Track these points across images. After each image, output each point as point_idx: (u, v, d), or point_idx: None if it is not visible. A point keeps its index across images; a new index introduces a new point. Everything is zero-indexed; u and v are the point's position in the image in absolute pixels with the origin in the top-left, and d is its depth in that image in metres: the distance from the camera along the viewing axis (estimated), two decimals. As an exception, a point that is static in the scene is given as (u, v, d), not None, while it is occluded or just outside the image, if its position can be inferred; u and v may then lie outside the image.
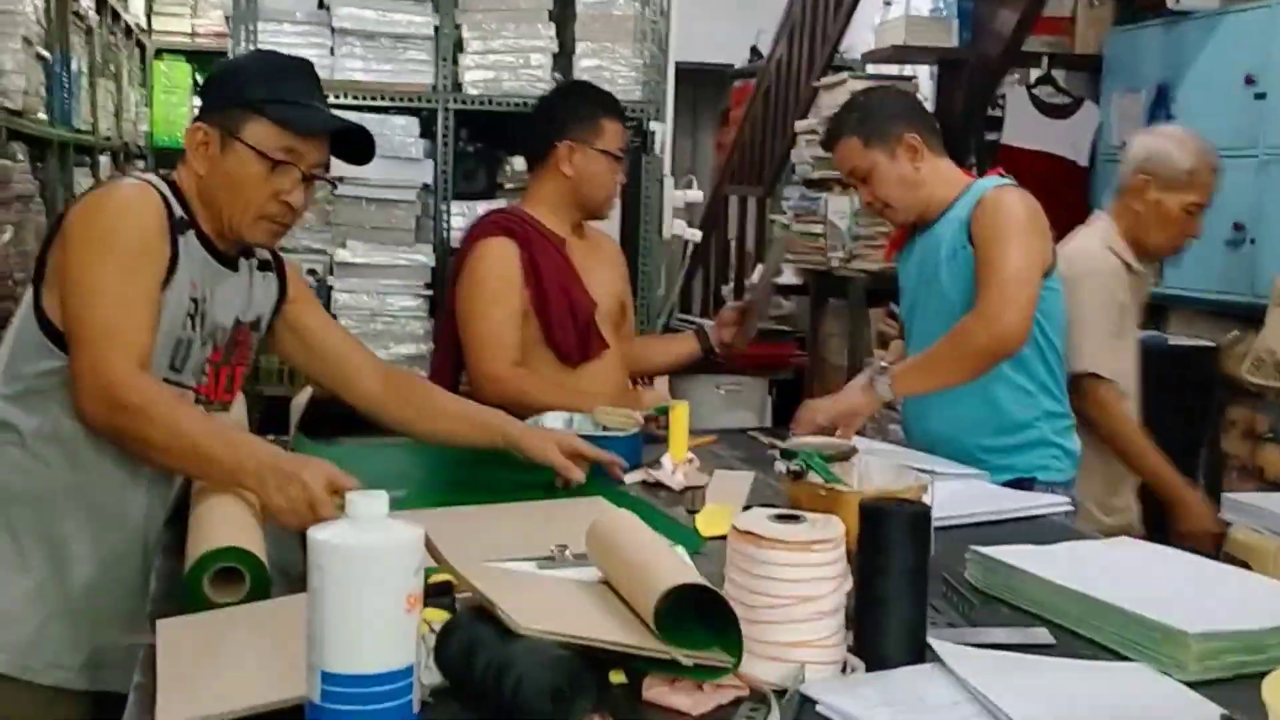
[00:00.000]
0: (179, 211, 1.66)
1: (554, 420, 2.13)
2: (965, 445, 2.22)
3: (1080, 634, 1.31)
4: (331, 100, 2.99)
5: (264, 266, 1.83)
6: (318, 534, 0.98)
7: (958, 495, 1.85)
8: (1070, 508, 1.96)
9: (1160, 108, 4.13)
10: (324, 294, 3.11)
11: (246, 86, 1.68)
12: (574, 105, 2.53)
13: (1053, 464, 2.28)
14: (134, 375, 1.52)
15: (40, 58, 3.87)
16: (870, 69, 4.70)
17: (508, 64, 3.22)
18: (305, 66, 1.76)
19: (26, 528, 1.63)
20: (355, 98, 3.14)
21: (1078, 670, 1.21)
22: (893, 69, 4.75)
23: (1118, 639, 1.27)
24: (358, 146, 1.76)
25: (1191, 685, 1.16)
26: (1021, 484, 2.17)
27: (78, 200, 1.68)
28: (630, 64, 3.28)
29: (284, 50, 2.29)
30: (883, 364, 2.23)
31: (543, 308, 2.43)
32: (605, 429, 2.09)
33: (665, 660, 1.11)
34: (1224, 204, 3.81)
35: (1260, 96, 3.68)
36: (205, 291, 1.69)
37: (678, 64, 3.66)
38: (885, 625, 1.19)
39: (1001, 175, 2.37)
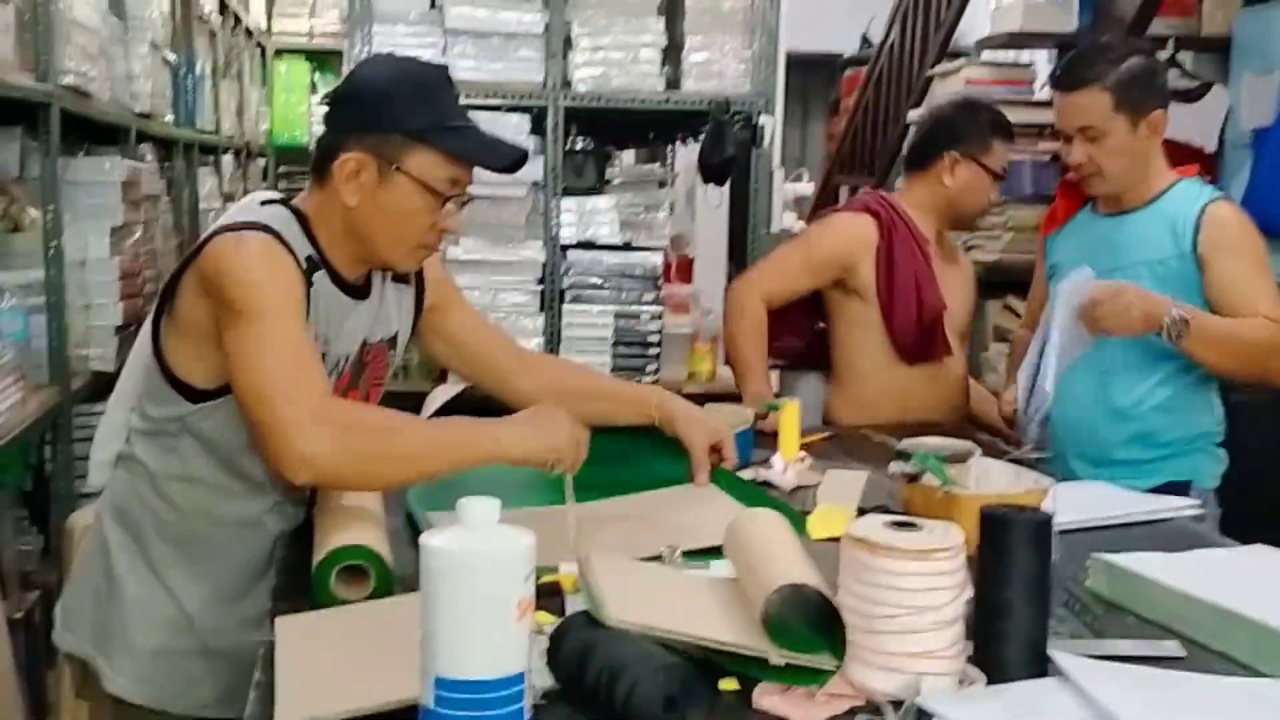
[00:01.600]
0: (307, 250, 1.56)
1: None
2: (1116, 454, 2.22)
3: (1213, 648, 1.26)
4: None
5: (399, 278, 1.75)
6: (431, 540, 0.98)
7: (1079, 498, 1.78)
8: (1199, 511, 1.88)
9: (1294, 91, 3.95)
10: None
11: (405, 111, 1.54)
12: (968, 120, 2.58)
13: (1204, 468, 2.26)
14: (330, 402, 1.47)
15: (166, 61, 4.00)
16: (986, 55, 4.59)
17: (617, 60, 3.22)
18: (447, 78, 1.63)
19: (164, 560, 1.62)
20: (468, 96, 3.17)
21: (1210, 686, 1.16)
22: (1009, 55, 4.62)
23: (1252, 653, 1.22)
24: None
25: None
26: (1172, 486, 2.10)
27: (205, 251, 1.52)
28: (740, 57, 3.26)
29: (399, 51, 2.30)
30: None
31: (888, 296, 2.50)
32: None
33: (770, 665, 1.10)
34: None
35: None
36: (329, 331, 1.60)
37: (788, 54, 3.63)
38: (1005, 636, 1.16)
39: (1198, 176, 2.30)
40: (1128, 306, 2.05)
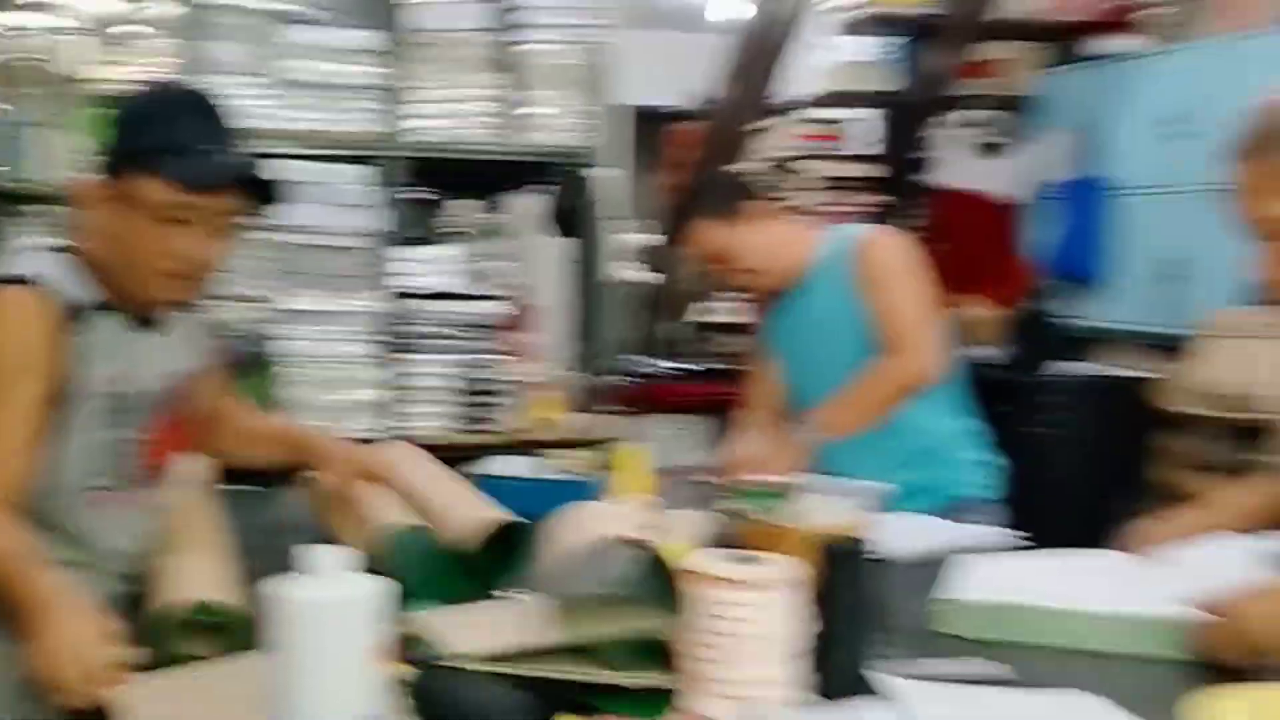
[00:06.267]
0: (78, 293, 1.52)
1: (509, 464, 2.15)
2: (896, 481, 2.28)
3: (1085, 649, 1.40)
4: (279, 150, 3.03)
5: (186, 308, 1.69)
6: (278, 589, 0.99)
7: (905, 529, 1.90)
8: (1024, 542, 2.01)
9: (1088, 147, 4.27)
10: (265, 343, 3.11)
11: (133, 134, 1.52)
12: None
13: (979, 480, 2.38)
14: None
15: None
16: (808, 113, 4.80)
17: (454, 112, 3.26)
18: (202, 103, 1.57)
19: None
20: (306, 147, 3.16)
21: (1024, 700, 1.26)
22: (828, 113, 4.85)
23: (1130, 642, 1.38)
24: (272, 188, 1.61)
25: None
26: (954, 505, 2.25)
27: None
28: (574, 110, 3.34)
29: (234, 102, 2.27)
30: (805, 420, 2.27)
31: None
32: (558, 472, 2.12)
33: (608, 692, 1.15)
34: (1153, 240, 3.95)
35: (1184, 136, 3.82)
36: (125, 370, 1.56)
37: (625, 107, 3.72)
38: (836, 660, 1.23)
39: (857, 221, 2.47)
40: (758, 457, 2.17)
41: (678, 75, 7.65)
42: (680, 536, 1.88)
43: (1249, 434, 3.48)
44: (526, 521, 1.61)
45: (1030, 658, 1.40)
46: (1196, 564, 1.53)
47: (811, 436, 2.20)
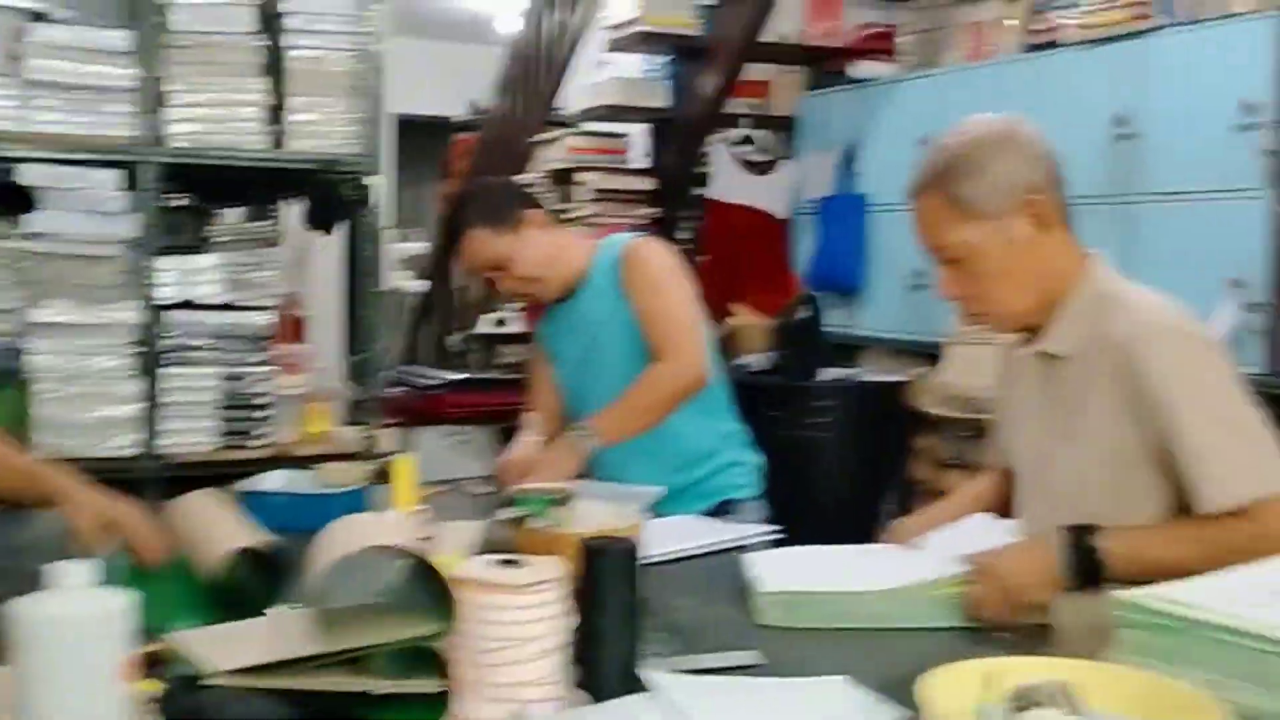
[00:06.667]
0: None
1: (277, 479, 2.09)
2: (665, 485, 2.35)
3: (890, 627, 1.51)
4: (25, 154, 2.85)
5: None
6: (20, 606, 0.95)
7: (672, 531, 1.95)
8: (780, 535, 2.10)
9: (848, 165, 4.50)
10: (18, 357, 2.93)
11: None
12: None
13: (743, 481, 2.45)
14: None
15: None
16: (587, 126, 4.87)
17: (217, 117, 3.14)
18: None
19: None
20: (52, 150, 2.98)
21: (779, 688, 1.32)
22: (608, 126, 4.93)
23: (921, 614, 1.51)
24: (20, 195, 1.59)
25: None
26: (721, 507, 2.35)
27: None
28: (344, 118, 3.28)
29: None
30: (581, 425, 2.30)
31: None
32: (327, 486, 2.08)
33: (384, 696, 1.14)
34: (905, 253, 4.20)
35: (932, 155, 4.08)
36: None
37: (399, 116, 3.69)
38: (603, 659, 1.26)
39: (628, 231, 2.54)
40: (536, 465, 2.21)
41: (464, 85, 7.63)
42: (452, 546, 1.88)
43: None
44: (283, 542, 1.58)
45: (792, 644, 1.47)
46: (953, 541, 1.66)
47: (587, 442, 2.24)
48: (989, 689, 1.12)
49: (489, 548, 1.80)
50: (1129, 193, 3.47)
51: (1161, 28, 3.38)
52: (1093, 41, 3.56)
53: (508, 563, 1.25)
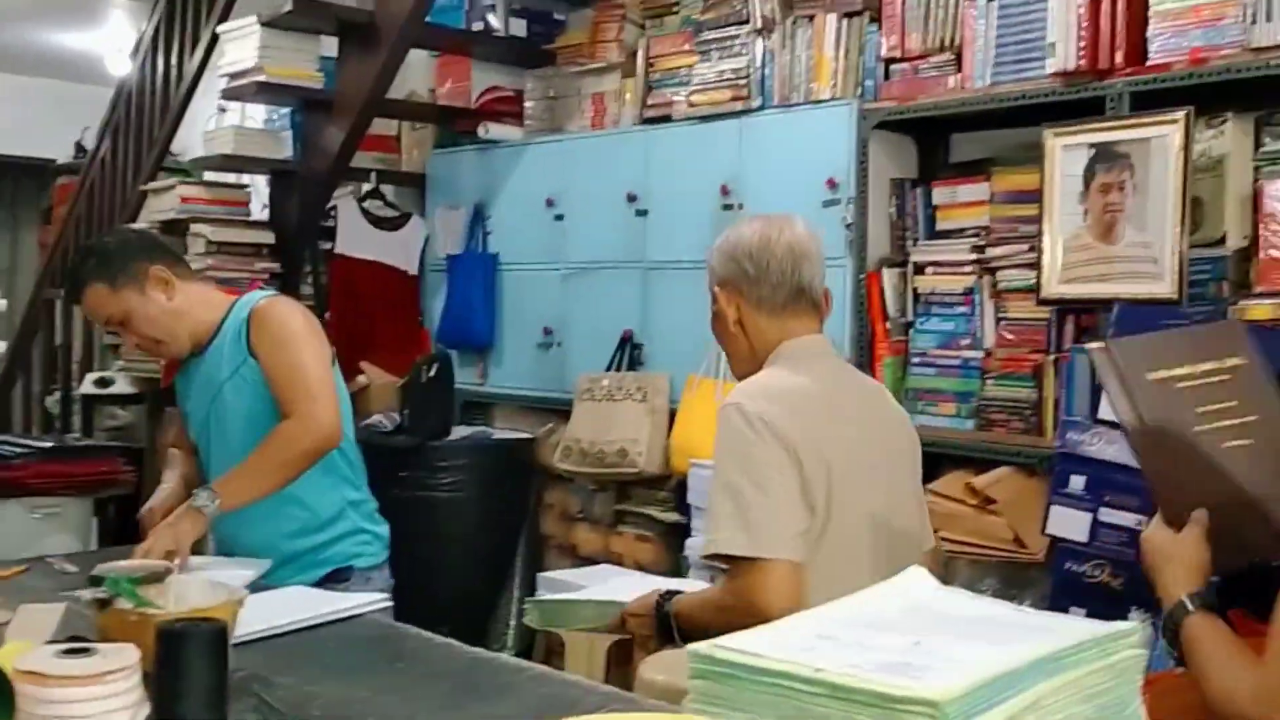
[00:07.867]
0: None
1: None
2: (283, 550, 2.27)
3: None
4: None
5: None
6: None
7: (281, 603, 1.88)
8: (389, 603, 2.07)
9: (478, 224, 4.55)
10: None
11: None
12: None
13: (365, 550, 2.40)
14: None
15: None
16: (207, 175, 4.64)
17: None
18: None
19: None
20: None
21: None
22: (228, 177, 4.72)
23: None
24: None
25: None
26: (339, 574, 2.29)
27: None
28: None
29: None
30: (205, 488, 2.20)
31: None
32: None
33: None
34: (534, 311, 4.30)
35: (559, 218, 4.20)
36: None
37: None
38: (186, 748, 1.19)
39: (262, 288, 2.50)
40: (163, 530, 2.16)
41: (72, 127, 7.05)
42: (25, 632, 1.72)
43: (617, 486, 3.89)
44: None
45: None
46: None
47: (209, 507, 2.11)
48: None
49: (68, 633, 1.66)
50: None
51: (759, 109, 3.66)
52: (700, 118, 3.81)
53: (78, 651, 1.16)
